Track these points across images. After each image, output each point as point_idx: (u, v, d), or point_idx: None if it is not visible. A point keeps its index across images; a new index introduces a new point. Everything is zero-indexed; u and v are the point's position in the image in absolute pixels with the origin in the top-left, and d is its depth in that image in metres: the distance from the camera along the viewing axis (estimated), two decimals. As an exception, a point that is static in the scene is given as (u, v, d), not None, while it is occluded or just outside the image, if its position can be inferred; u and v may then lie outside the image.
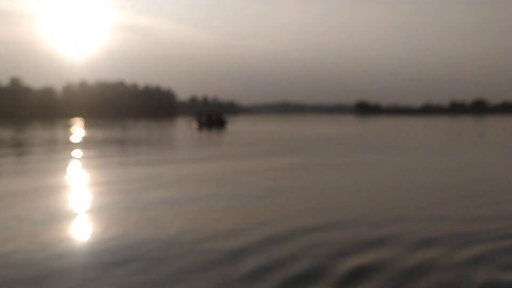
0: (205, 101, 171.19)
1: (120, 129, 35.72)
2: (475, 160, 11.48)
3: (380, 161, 11.34)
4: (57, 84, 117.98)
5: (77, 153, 13.54)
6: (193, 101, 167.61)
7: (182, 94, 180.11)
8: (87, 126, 45.05)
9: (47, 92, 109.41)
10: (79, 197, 6.46)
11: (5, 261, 3.59)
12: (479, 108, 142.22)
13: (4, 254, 3.78)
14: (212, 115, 39.21)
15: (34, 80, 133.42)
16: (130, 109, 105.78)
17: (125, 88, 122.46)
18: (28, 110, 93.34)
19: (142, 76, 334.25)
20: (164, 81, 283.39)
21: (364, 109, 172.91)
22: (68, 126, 45.40)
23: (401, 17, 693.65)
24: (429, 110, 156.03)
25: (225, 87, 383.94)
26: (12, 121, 65.97)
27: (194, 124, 39.06)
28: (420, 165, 10.36)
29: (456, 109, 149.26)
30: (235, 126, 39.49)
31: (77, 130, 32.79)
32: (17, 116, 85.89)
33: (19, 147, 16.57)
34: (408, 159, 11.84)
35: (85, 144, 18.99)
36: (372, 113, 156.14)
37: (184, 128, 34.28)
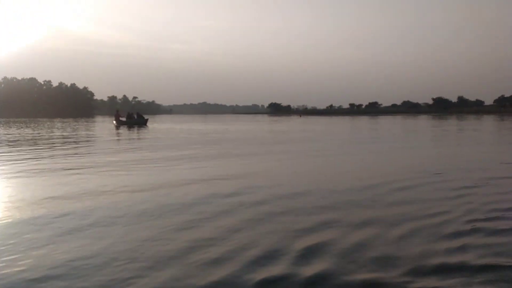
0: (125, 100, 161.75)
1: (32, 127, 31.91)
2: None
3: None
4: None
5: None
6: (112, 100, 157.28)
7: (101, 94, 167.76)
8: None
9: None
10: None
11: None
12: (373, 109, 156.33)
13: None
14: (132, 113, 37.10)
15: None
16: (44, 108, 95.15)
17: (37, 86, 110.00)
18: None
19: (57, 75, 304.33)
20: (81, 81, 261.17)
21: (277, 109, 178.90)
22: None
23: (304, 25, 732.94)
24: (332, 111, 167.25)
25: (144, 87, 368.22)
26: None
27: (114, 123, 36.46)
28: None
29: (354, 110, 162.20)
30: (156, 124, 37.73)
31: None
32: None
33: None
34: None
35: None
36: (284, 113, 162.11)
37: (102, 127, 31.84)
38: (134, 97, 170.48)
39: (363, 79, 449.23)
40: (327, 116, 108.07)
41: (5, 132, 23.13)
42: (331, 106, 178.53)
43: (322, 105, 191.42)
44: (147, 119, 35.74)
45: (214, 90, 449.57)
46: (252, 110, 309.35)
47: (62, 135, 20.53)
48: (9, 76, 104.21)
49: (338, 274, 2.83)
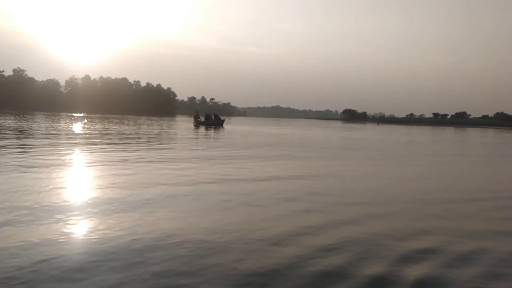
0: (203, 101, 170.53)
1: (126, 124, 35.46)
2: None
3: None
4: (61, 78, 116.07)
5: (82, 146, 13.28)
6: (191, 101, 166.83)
7: (181, 94, 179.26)
8: (91, 119, 44.66)
9: (51, 84, 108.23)
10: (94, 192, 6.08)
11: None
12: (460, 119, 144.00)
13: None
14: (210, 114, 39.31)
15: (37, 75, 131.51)
16: (132, 106, 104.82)
17: (128, 85, 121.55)
18: (32, 101, 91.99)
19: (144, 76, 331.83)
20: (165, 82, 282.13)
21: (352, 116, 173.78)
22: (71, 118, 44.94)
23: (391, 30, 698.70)
24: (413, 120, 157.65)
25: (222, 89, 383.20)
26: (16, 111, 65.14)
27: (193, 122, 38.99)
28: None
29: (438, 120, 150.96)
30: (232, 126, 39.52)
31: (81, 123, 32.56)
32: (21, 106, 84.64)
33: (22, 136, 16.42)
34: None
35: (92, 137, 18.84)
36: (359, 120, 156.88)
37: (184, 126, 34.38)
38: (212, 99, 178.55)
39: (450, 87, 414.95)
40: (407, 125, 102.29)
41: (116, 127, 26.23)
42: (411, 114, 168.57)
43: (401, 114, 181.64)
44: (223, 120, 37.50)
45: (287, 94, 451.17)
46: (325, 115, 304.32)
47: (154, 132, 22.80)
48: (104, 76, 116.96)
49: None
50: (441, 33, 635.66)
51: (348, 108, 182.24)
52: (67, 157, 9.72)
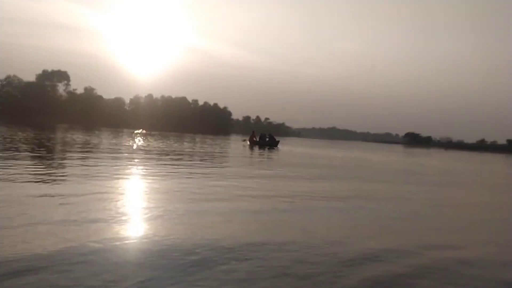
0: (257, 121, 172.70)
1: (187, 142, 36.38)
2: None
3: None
4: (126, 96, 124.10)
5: (142, 161, 13.61)
6: (246, 120, 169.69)
7: (236, 113, 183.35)
8: (151, 135, 46.64)
9: (117, 102, 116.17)
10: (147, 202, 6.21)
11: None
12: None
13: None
14: (265, 134, 39.18)
15: (104, 93, 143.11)
16: (189, 124, 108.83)
17: (186, 104, 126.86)
18: (100, 118, 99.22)
19: (201, 95, 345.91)
20: (220, 101, 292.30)
21: (415, 140, 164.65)
22: (135, 134, 47.27)
23: (459, 51, 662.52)
24: (484, 146, 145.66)
25: (276, 109, 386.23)
26: (85, 127, 70.41)
27: (248, 142, 39.09)
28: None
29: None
30: (286, 147, 38.91)
31: (141, 139, 33.94)
32: (89, 122, 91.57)
33: (90, 150, 17.21)
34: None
35: (153, 153, 19.24)
36: (423, 144, 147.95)
37: (239, 145, 34.50)
38: (266, 118, 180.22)
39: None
40: (477, 151, 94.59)
41: (183, 147, 26.93)
42: (482, 140, 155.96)
43: (470, 139, 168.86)
44: (278, 141, 37.12)
45: (344, 115, 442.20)
46: (385, 138, 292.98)
47: (215, 150, 22.90)
48: (166, 94, 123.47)
49: None
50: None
51: (411, 131, 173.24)
52: (139, 170, 9.77)
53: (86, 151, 15.90)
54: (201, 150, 22.52)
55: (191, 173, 10.58)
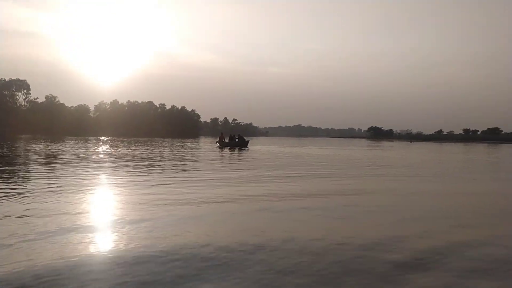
0: (225, 122, 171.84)
1: (153, 147, 35.38)
2: None
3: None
4: (90, 103, 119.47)
5: (106, 169, 12.91)
6: (214, 122, 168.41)
7: (204, 116, 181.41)
8: (116, 142, 45.06)
9: (81, 110, 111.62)
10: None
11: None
12: (493, 135, 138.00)
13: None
14: (234, 135, 38.77)
15: (67, 100, 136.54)
16: (157, 128, 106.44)
17: (153, 108, 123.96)
18: (63, 126, 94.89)
19: (167, 98, 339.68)
20: (187, 104, 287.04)
21: (377, 133, 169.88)
22: (100, 142, 45.49)
23: (418, 44, 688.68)
24: (442, 137, 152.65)
25: (243, 110, 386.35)
26: (48, 136, 66.95)
27: (217, 144, 38.56)
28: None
29: (469, 137, 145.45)
30: (255, 146, 38.74)
31: (106, 147, 32.62)
32: (52, 132, 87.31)
33: (52, 160, 16.20)
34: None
35: (116, 161, 18.48)
36: (385, 137, 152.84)
37: (208, 147, 33.93)
38: (234, 119, 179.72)
39: (480, 103, 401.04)
40: (436, 142, 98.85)
41: (152, 152, 25.96)
42: (440, 131, 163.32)
43: (429, 130, 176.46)
44: (247, 141, 36.83)
45: (309, 113, 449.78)
46: (348, 133, 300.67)
47: (185, 154, 22.28)
48: (132, 100, 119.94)
49: None
50: (474, 48, 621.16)
51: (373, 125, 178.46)
52: (103, 179, 9.16)
53: (55, 163, 14.93)
54: (172, 154, 21.86)
55: (164, 179, 10.08)
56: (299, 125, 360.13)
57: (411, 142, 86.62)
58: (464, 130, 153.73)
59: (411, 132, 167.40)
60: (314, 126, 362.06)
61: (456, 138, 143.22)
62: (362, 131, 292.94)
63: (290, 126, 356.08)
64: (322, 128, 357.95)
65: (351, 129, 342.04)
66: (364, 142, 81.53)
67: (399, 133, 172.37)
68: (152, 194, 7.60)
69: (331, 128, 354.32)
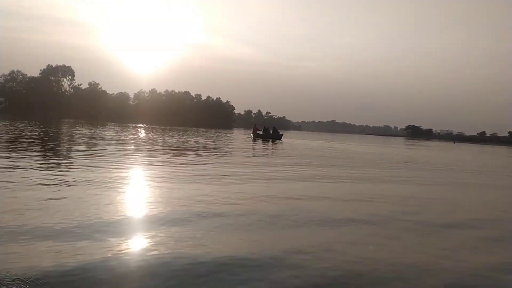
0: (259, 115, 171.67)
1: (194, 135, 35.65)
2: None
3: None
4: (129, 91, 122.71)
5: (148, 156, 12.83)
6: (248, 114, 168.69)
7: (238, 107, 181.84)
8: (155, 130, 45.91)
9: (121, 97, 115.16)
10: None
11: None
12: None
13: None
14: (268, 127, 38.28)
15: (107, 88, 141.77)
16: (193, 118, 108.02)
17: (189, 98, 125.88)
18: (104, 112, 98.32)
19: (202, 90, 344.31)
20: (222, 95, 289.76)
21: (415, 132, 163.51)
22: (140, 129, 46.54)
23: (455, 45, 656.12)
24: (486, 139, 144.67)
25: (277, 103, 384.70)
26: (90, 121, 69.55)
27: (252, 135, 38.24)
28: None
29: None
30: (289, 140, 38.11)
31: (145, 133, 33.18)
32: (94, 117, 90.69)
33: (96, 144, 16.46)
34: None
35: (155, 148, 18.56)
36: (424, 137, 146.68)
37: (242, 139, 33.77)
38: (267, 112, 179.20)
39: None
40: (478, 144, 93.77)
41: (198, 140, 26.19)
42: (483, 132, 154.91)
43: (470, 131, 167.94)
44: (282, 134, 36.28)
45: (343, 109, 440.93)
46: (384, 131, 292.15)
47: (228, 145, 22.17)
48: (169, 89, 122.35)
49: None
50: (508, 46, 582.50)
51: (411, 124, 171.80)
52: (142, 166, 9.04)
53: (103, 149, 15.16)
54: (210, 143, 21.76)
55: (205, 169, 9.80)
56: (333, 120, 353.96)
57: (454, 142, 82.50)
58: (509, 132, 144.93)
59: (451, 133, 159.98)
60: (348, 123, 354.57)
61: (501, 140, 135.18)
62: (399, 129, 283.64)
63: (323, 122, 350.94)
64: (357, 124, 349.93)
65: (386, 127, 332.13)
66: (401, 140, 78.58)
67: (438, 133, 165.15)
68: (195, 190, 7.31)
69: (366, 125, 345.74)
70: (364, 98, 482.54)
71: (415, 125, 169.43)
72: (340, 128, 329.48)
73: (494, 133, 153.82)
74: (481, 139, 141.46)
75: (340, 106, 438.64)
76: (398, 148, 34.10)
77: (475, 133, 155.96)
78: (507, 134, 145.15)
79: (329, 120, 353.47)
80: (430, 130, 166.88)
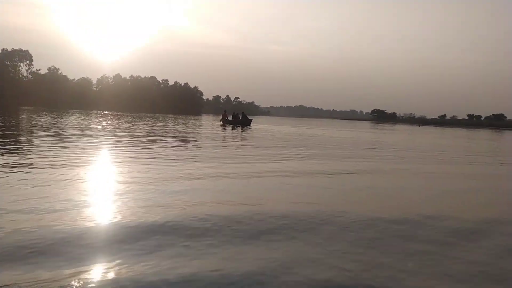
0: (227, 100, 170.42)
1: (159, 123, 34.84)
2: None
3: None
4: (92, 77, 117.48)
5: (108, 144, 12.48)
6: (216, 100, 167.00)
7: (206, 93, 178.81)
8: (119, 117, 44.51)
9: (83, 83, 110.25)
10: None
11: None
12: (497, 121, 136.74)
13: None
14: (237, 113, 38.02)
15: (69, 73, 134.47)
16: (160, 104, 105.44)
17: (156, 84, 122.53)
18: (65, 99, 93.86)
19: (168, 74, 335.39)
20: (189, 80, 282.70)
21: (380, 116, 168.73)
22: (103, 116, 44.93)
23: (424, 27, 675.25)
24: (445, 122, 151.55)
25: (245, 88, 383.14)
26: (50, 109, 66.30)
27: (221, 121, 37.96)
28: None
29: (473, 123, 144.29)
30: (258, 125, 38.16)
31: (108, 120, 32.10)
32: (54, 104, 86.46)
33: (56, 132, 15.72)
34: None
35: (118, 135, 18.02)
36: (388, 121, 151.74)
37: (211, 124, 33.44)
38: (236, 97, 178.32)
39: (485, 89, 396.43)
40: (440, 126, 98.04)
41: (163, 127, 25.46)
42: (443, 116, 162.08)
43: (432, 115, 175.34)
44: (251, 120, 36.20)
45: (311, 93, 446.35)
46: (350, 116, 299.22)
47: (192, 131, 21.81)
48: (134, 74, 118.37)
49: None
50: (478, 32, 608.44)
51: (376, 108, 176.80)
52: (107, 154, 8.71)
53: (61, 135, 14.45)
54: (176, 131, 21.35)
55: (175, 155, 9.66)
56: (301, 105, 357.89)
57: (419, 126, 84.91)
58: (468, 115, 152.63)
59: (414, 116, 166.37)
60: (316, 107, 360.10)
61: (460, 123, 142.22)
62: (364, 113, 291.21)
63: (291, 107, 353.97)
64: (324, 109, 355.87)
65: (353, 111, 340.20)
66: (367, 124, 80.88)
67: (402, 116, 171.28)
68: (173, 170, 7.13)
69: (333, 109, 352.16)
70: (332, 83, 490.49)
71: (380, 109, 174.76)
72: (309, 112, 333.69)
73: (454, 116, 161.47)
74: (442, 122, 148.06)
75: (309, 91, 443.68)
76: (374, 133, 34.97)
77: (436, 116, 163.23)
78: (466, 117, 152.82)
79: (298, 105, 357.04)
80: (394, 114, 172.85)
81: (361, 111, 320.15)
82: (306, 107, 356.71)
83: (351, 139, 21.78)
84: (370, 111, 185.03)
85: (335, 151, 13.67)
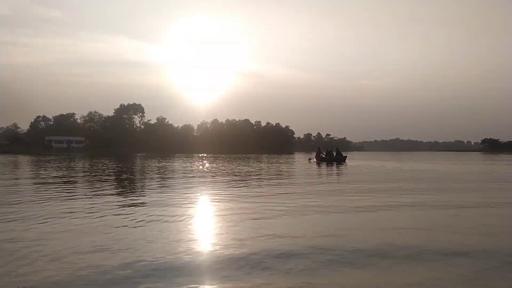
0: (319, 137, 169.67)
1: (258, 162, 35.90)
2: None
3: None
4: (193, 123, 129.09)
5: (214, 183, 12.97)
6: (307, 138, 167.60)
7: (297, 131, 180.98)
8: (220, 159, 47.06)
9: (186, 129, 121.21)
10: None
11: None
12: None
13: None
14: (331, 150, 37.16)
15: (172, 120, 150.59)
16: (253, 145, 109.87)
17: (250, 126, 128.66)
18: (171, 145, 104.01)
19: (260, 116, 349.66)
20: (280, 120, 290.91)
21: (493, 146, 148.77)
22: (205, 158, 48.07)
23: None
24: None
25: (337, 125, 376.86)
26: (160, 154, 73.72)
27: (315, 159, 37.41)
28: None
29: None
30: (354, 162, 36.52)
31: (207, 162, 33.99)
32: (162, 150, 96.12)
33: (165, 175, 17.03)
34: None
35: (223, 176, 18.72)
36: (503, 150, 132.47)
37: (304, 163, 33.19)
38: (327, 134, 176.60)
39: None
40: None
41: (255, 166, 26.44)
42: None
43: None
44: (345, 156, 35.04)
45: (407, 126, 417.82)
46: (456, 147, 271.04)
47: (285, 169, 21.87)
48: (230, 118, 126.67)
49: None
50: None
51: (488, 137, 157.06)
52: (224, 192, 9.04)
53: (180, 178, 15.70)
54: (275, 170, 21.53)
55: (278, 193, 9.60)
56: (397, 138, 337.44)
57: None
58: None
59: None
60: (415, 140, 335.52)
61: None
62: (473, 143, 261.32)
63: (386, 140, 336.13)
64: (424, 141, 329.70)
65: (458, 142, 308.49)
66: (479, 155, 71.59)
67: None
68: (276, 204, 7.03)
69: (435, 141, 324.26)
70: (431, 113, 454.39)
71: (492, 138, 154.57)
72: (406, 145, 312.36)
73: None
74: None
75: (404, 123, 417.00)
76: (494, 164, 30.96)
77: None
78: None
79: (393, 138, 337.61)
80: (511, 142, 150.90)
81: (468, 141, 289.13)
82: (402, 139, 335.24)
83: (485, 175, 19.32)
84: (480, 141, 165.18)
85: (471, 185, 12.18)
